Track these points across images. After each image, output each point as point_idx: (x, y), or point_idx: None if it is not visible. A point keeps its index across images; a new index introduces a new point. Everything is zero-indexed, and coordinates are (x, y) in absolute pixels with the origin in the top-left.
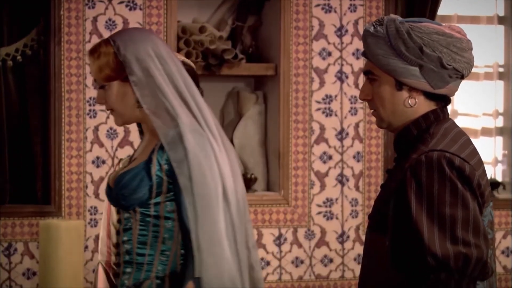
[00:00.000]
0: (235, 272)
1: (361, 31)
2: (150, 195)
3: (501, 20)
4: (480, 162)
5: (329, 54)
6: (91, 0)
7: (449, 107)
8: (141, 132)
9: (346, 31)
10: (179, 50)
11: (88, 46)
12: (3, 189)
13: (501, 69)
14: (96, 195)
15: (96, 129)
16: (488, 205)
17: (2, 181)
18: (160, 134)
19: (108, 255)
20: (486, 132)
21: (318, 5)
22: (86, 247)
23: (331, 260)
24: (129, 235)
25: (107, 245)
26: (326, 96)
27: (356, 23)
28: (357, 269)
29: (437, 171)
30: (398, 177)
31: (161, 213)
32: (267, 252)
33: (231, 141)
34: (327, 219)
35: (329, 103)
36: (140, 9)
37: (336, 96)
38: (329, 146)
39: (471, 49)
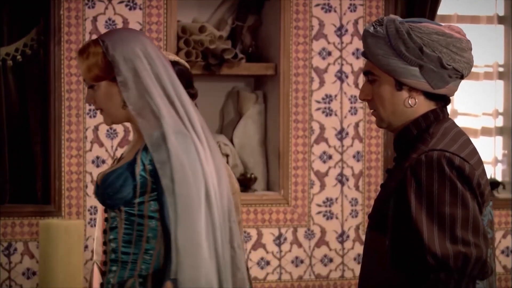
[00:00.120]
0: (213, 274)
1: (361, 31)
2: (134, 194)
3: (501, 19)
4: (480, 162)
5: (329, 53)
6: (91, 0)
7: (448, 107)
8: None
9: (346, 30)
10: (179, 49)
11: None
12: (3, 188)
13: (501, 69)
14: None
15: (96, 128)
16: (488, 204)
17: (2, 181)
18: (145, 135)
19: (103, 255)
20: (486, 131)
21: (318, 5)
22: (86, 247)
23: (331, 260)
24: (115, 234)
25: (102, 244)
26: (326, 95)
27: (356, 22)
28: (357, 268)
29: (437, 171)
30: (398, 177)
31: (145, 212)
32: (267, 252)
33: (231, 141)
34: (327, 218)
35: (329, 103)
36: (140, 8)
37: (336, 95)
38: (329, 146)
39: (471, 49)
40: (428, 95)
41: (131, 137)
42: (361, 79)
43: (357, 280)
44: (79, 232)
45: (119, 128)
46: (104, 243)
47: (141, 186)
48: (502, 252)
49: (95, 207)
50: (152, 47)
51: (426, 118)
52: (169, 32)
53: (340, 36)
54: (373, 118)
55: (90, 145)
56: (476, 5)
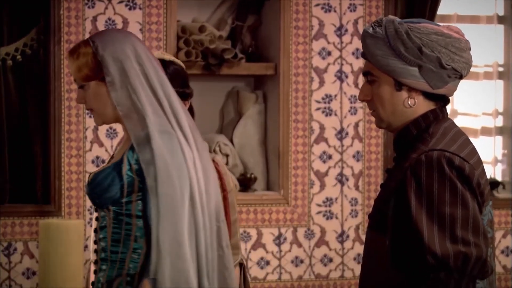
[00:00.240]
0: (193, 274)
1: (361, 31)
2: (122, 194)
3: (500, 19)
4: (479, 161)
5: (329, 53)
6: (90, 0)
7: (448, 107)
8: None
9: (346, 30)
10: (179, 49)
11: None
12: (3, 188)
13: (500, 69)
14: None
15: (95, 128)
16: (488, 204)
17: (2, 181)
18: (131, 136)
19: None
20: (485, 131)
21: (318, 5)
22: (86, 246)
23: (330, 260)
24: (104, 233)
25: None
26: (326, 95)
27: (355, 22)
28: (357, 268)
29: (437, 171)
30: (398, 177)
31: (133, 211)
32: (267, 252)
33: (231, 141)
34: (327, 218)
35: (328, 103)
36: (140, 8)
37: (335, 95)
38: (329, 146)
39: (469, 49)
40: (428, 95)
41: None
42: (361, 79)
43: (356, 280)
44: (79, 232)
45: (119, 128)
46: (95, 242)
47: (128, 185)
48: (502, 252)
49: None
50: (142, 48)
51: (426, 118)
52: (169, 32)
53: (340, 36)
54: (373, 118)
55: (90, 145)
56: (476, 5)
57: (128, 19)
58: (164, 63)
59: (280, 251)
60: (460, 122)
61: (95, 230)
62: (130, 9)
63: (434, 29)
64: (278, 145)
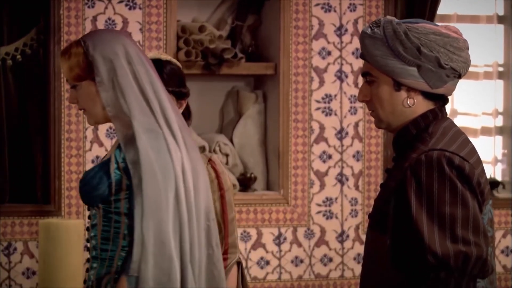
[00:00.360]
0: (176, 273)
1: (360, 31)
2: (110, 192)
3: (500, 19)
4: (479, 161)
5: (329, 53)
6: (90, 0)
7: (448, 107)
8: None
9: (346, 30)
10: (178, 49)
11: None
12: (3, 188)
13: (500, 69)
14: None
15: (95, 128)
16: (488, 203)
17: (2, 181)
18: (119, 135)
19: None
20: (485, 131)
21: (317, 5)
22: (86, 246)
23: (330, 260)
24: (95, 231)
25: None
26: (326, 95)
27: (355, 22)
28: (357, 268)
29: (437, 170)
30: (398, 177)
31: (122, 209)
32: (267, 252)
33: (231, 141)
34: (327, 218)
35: (328, 103)
36: (140, 8)
37: (335, 95)
38: (329, 146)
39: (468, 48)
40: (427, 95)
41: None
42: (361, 79)
43: (357, 279)
44: (79, 232)
45: None
46: (87, 240)
47: (116, 183)
48: (502, 251)
49: None
50: (132, 47)
51: (425, 117)
52: (169, 31)
53: (340, 35)
54: (373, 118)
55: (89, 144)
56: (475, 4)
57: (128, 19)
58: (161, 63)
59: (280, 251)
60: (460, 122)
61: (87, 229)
62: (130, 9)
63: (432, 29)
64: (278, 145)
